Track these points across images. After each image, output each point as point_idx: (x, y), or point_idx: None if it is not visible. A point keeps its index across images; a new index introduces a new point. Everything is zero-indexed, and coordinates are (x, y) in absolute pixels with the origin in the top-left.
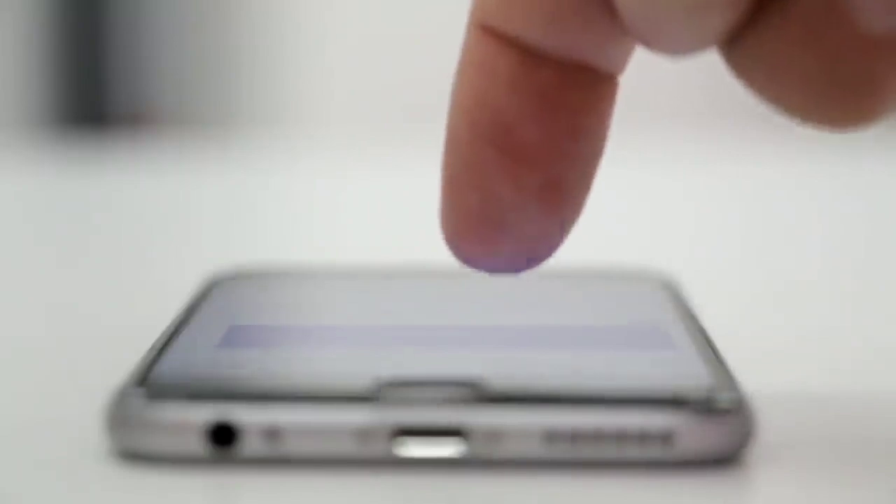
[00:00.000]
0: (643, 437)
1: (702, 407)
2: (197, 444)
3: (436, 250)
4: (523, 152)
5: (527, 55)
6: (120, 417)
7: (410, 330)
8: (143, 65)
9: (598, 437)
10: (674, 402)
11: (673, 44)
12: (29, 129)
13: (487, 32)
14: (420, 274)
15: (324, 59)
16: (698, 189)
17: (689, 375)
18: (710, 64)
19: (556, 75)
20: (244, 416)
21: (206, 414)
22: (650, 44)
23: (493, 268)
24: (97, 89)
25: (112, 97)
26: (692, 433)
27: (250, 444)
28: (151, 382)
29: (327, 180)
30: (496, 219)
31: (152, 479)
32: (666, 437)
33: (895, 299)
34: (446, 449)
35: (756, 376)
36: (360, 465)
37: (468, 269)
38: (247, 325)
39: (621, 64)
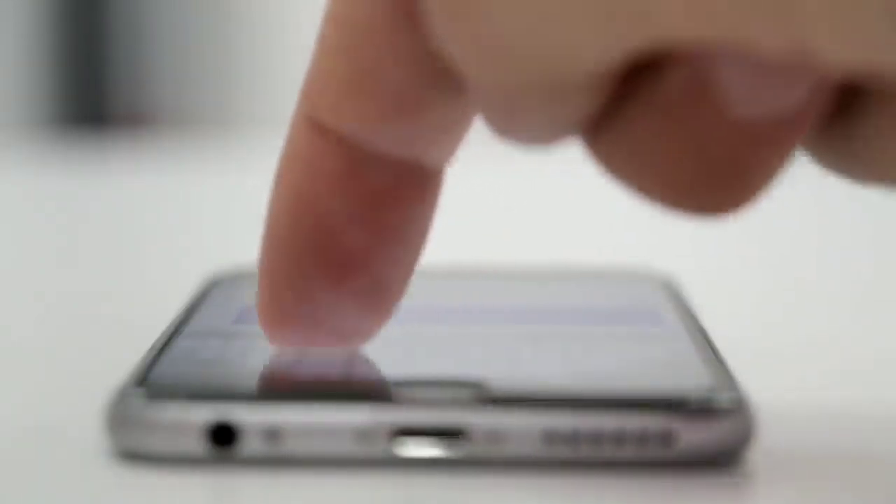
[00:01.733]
0: (643, 437)
1: (702, 407)
2: (197, 444)
3: (435, 250)
4: (347, 257)
5: (356, 155)
6: (120, 417)
7: (411, 330)
8: (143, 65)
9: (597, 437)
10: (674, 402)
11: (529, 132)
12: (29, 129)
13: (315, 128)
14: (419, 274)
15: None
16: None
17: (689, 375)
18: None
19: (386, 177)
20: (244, 416)
21: (206, 414)
22: (505, 132)
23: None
24: (97, 89)
25: (112, 97)
26: (692, 433)
27: (250, 444)
28: (151, 382)
29: None
30: (312, 317)
31: (152, 479)
32: (666, 437)
33: (895, 300)
34: (446, 449)
35: (756, 376)
36: (360, 465)
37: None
38: (247, 325)
39: (449, 159)
